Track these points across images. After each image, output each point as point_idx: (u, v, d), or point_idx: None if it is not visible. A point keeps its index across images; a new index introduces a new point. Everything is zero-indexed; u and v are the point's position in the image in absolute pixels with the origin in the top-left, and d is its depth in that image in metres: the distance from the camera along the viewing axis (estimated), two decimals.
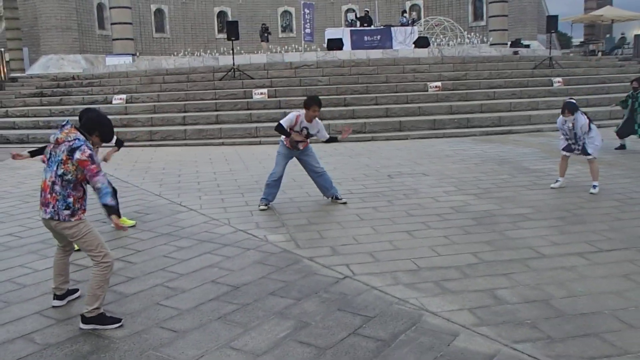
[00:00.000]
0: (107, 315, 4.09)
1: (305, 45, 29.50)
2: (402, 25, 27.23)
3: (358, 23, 27.88)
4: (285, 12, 39.23)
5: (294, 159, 7.47)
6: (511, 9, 32.06)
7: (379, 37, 25.75)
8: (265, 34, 28.60)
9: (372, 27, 27.41)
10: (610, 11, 36.31)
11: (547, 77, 18.63)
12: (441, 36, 29.11)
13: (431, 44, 24.44)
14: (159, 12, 36.53)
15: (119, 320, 4.08)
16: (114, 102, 17.24)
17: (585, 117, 7.62)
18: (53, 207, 4.02)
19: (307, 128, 7.16)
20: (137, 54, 29.86)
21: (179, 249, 5.78)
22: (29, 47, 32.02)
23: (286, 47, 30.83)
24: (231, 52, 18.93)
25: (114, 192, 6.47)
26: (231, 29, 19.16)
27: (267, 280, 4.84)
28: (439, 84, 17.21)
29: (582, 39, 41.30)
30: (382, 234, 6.04)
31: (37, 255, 5.71)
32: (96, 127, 4.17)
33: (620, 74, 20.78)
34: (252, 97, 16.71)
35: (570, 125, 7.62)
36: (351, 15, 32.58)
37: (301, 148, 7.32)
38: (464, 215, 6.64)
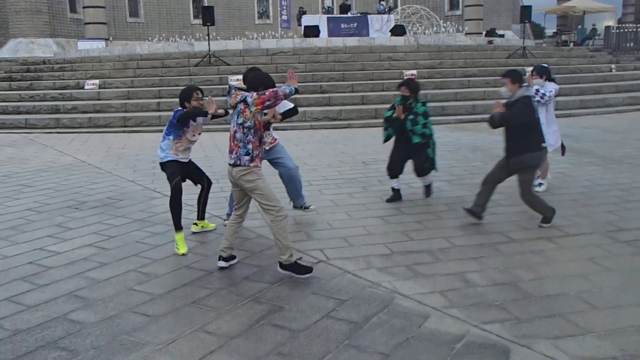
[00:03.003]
0: (301, 265, 4.52)
1: (282, 32, 29.33)
2: (379, 13, 27.22)
3: (335, 11, 27.78)
4: None
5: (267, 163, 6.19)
6: None
7: (355, 24, 25.69)
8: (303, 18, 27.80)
9: (349, 14, 27.36)
10: (582, 3, 36.79)
11: (521, 66, 18.79)
12: (417, 25, 29.18)
13: (407, 32, 24.50)
14: None
15: (311, 270, 4.51)
16: (86, 87, 16.96)
17: (555, 87, 7.06)
18: (235, 154, 4.49)
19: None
20: (110, 38, 29.34)
21: (153, 235, 5.76)
22: None
23: (263, 33, 30.60)
24: (207, 38, 18.73)
25: (208, 184, 5.79)
26: (207, 15, 18.92)
27: (241, 265, 4.86)
28: (414, 72, 17.27)
29: (554, 30, 41.80)
30: (356, 220, 6.09)
31: (7, 242, 5.63)
32: (260, 81, 4.55)
33: (591, 64, 21.12)
34: (227, 84, 16.57)
35: (540, 88, 6.93)
36: (327, 2, 32.47)
37: (268, 145, 5.98)
38: (437, 201, 6.73)
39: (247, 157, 4.46)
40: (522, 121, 5.44)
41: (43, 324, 3.84)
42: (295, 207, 6.32)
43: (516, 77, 5.56)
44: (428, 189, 6.91)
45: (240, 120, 4.45)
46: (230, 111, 5.65)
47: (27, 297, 4.29)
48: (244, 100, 4.43)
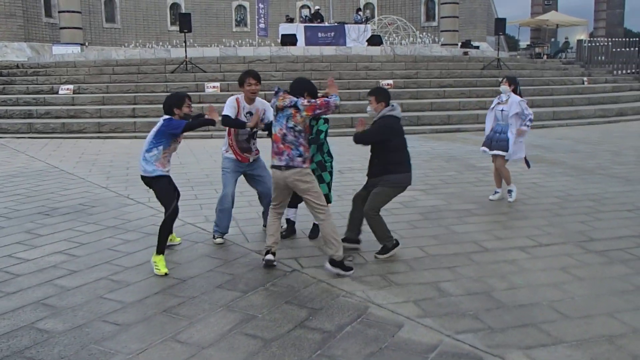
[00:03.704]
0: (345, 264, 4.71)
1: (259, 40, 29.33)
2: (356, 23, 27.41)
3: (308, 19, 27.84)
4: (240, 6, 38.89)
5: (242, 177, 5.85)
6: (462, 10, 32.75)
7: (332, 34, 25.84)
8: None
9: (326, 23, 27.48)
10: (555, 16, 37.59)
11: (495, 77, 19.06)
12: (394, 35, 29.44)
13: (384, 43, 24.70)
14: (109, 2, 35.59)
15: (352, 269, 4.72)
16: (60, 92, 16.72)
17: (524, 102, 7.09)
18: (288, 155, 4.61)
19: (251, 113, 5.48)
20: (86, 43, 29.02)
21: (125, 242, 5.67)
22: None
23: (240, 41, 30.58)
24: (184, 44, 18.64)
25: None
26: (184, 22, 18.89)
27: (214, 273, 4.81)
28: (390, 81, 17.41)
29: (528, 42, 42.53)
30: None
31: None
32: (305, 86, 4.75)
33: (563, 77, 21.53)
34: (204, 91, 16.50)
35: (504, 98, 7.07)
36: (305, 12, 32.57)
37: (253, 156, 5.65)
38: (412, 210, 6.75)
39: (300, 159, 4.63)
40: (377, 140, 5.09)
41: (9, 333, 3.74)
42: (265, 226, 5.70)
43: (381, 96, 5.14)
44: (292, 228, 5.85)
45: (291, 124, 4.61)
46: (269, 115, 5.38)
47: None
48: (295, 106, 4.59)
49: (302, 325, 3.81)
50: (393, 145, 5.09)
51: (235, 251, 5.35)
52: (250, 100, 5.50)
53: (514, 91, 7.19)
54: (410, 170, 5.21)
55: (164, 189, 5.02)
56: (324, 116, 5.36)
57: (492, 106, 7.33)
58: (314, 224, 5.78)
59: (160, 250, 4.90)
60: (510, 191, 7.21)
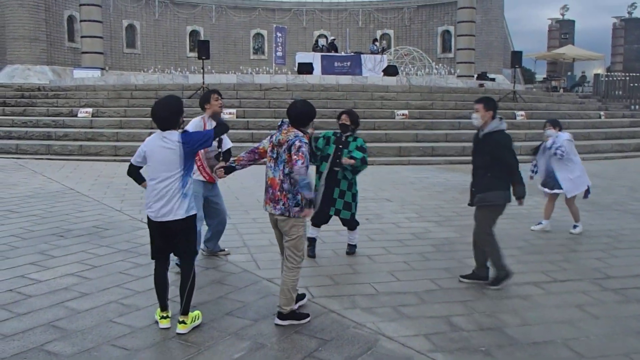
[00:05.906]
0: (298, 312, 4.37)
1: (276, 68, 29.67)
2: (372, 53, 27.66)
3: (324, 49, 28.12)
4: (258, 34, 39.49)
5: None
6: (478, 43, 32.94)
7: (349, 63, 26.06)
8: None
9: (342, 53, 27.73)
10: (572, 50, 37.63)
11: (511, 110, 19.10)
12: (410, 66, 29.63)
13: (400, 73, 24.86)
14: (130, 28, 36.35)
15: (308, 315, 4.38)
16: (79, 115, 16.98)
17: (568, 141, 7.27)
18: (284, 205, 4.23)
19: None
20: (107, 68, 29.56)
21: (136, 266, 5.68)
22: None
23: (257, 68, 30.96)
24: (201, 71, 18.91)
25: None
26: (202, 48, 19.19)
27: (224, 300, 4.79)
28: (406, 112, 17.46)
29: (544, 75, 42.56)
30: (342, 258, 6.05)
31: None
32: (310, 116, 4.36)
33: (580, 110, 21.47)
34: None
35: (552, 141, 7.20)
36: (322, 41, 32.97)
37: (219, 176, 4.94)
38: (424, 242, 6.70)
39: (296, 209, 4.22)
40: (514, 160, 5.09)
41: (18, 355, 3.74)
42: (211, 253, 5.99)
43: (489, 104, 5.14)
44: (353, 249, 6.22)
45: (287, 171, 4.21)
46: (227, 142, 5.55)
47: (4, 325, 4.19)
48: (289, 150, 4.17)
49: (311, 356, 3.77)
50: (507, 160, 5.14)
51: (246, 278, 5.33)
52: (215, 117, 5.24)
53: (560, 129, 7.38)
54: (509, 187, 5.21)
55: (195, 232, 4.29)
56: (363, 144, 6.29)
57: (541, 151, 7.36)
58: (351, 245, 6.17)
59: (189, 306, 4.16)
60: (575, 226, 7.27)
